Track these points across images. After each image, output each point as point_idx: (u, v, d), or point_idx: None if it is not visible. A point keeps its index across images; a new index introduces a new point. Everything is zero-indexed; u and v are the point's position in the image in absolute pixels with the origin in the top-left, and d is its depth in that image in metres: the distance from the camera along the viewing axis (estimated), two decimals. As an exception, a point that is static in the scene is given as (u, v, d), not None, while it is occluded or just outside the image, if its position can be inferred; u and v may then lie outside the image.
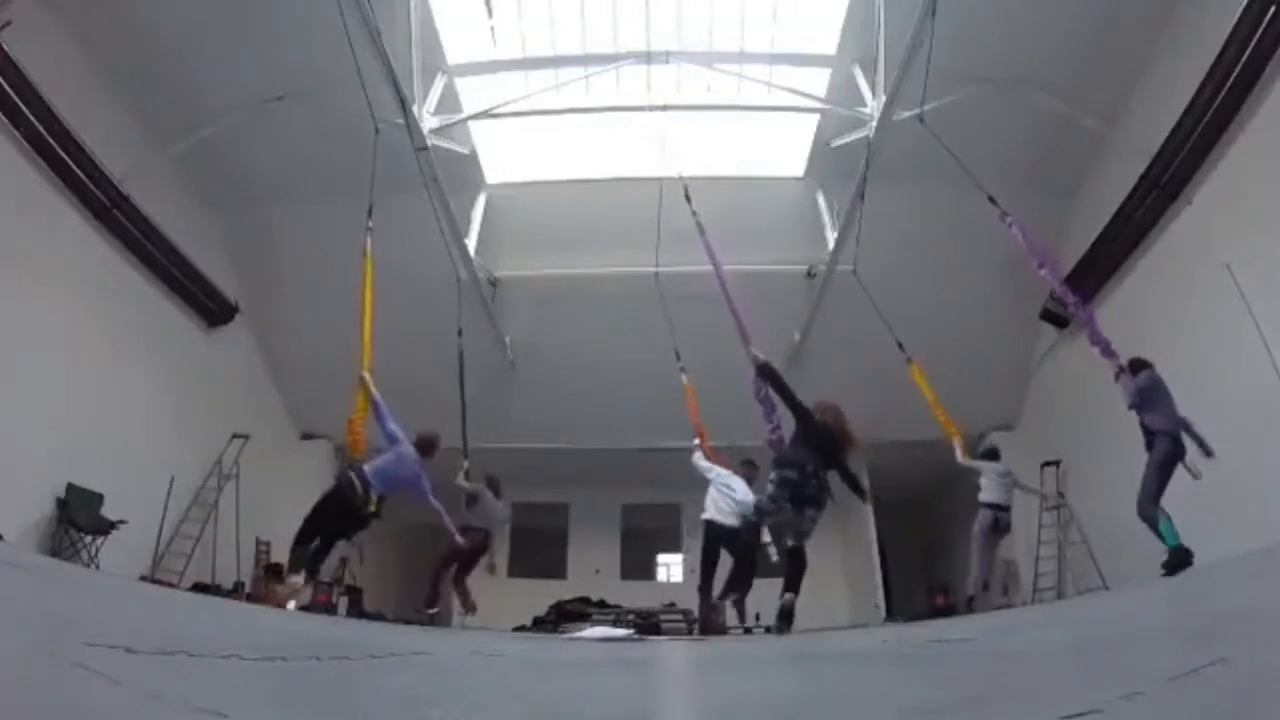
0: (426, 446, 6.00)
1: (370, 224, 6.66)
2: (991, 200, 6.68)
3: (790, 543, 4.95)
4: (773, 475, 4.93)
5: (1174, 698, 0.89)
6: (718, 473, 6.94)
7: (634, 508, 14.22)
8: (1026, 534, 10.45)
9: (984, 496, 7.42)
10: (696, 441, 7.67)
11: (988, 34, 7.83)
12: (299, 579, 5.32)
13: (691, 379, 9.05)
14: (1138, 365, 5.48)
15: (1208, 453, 5.27)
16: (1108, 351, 5.53)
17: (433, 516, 6.26)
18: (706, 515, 6.75)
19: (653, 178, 8.97)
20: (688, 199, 8.08)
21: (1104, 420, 8.89)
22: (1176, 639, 1.75)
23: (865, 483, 5.52)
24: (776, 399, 5.48)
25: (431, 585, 7.23)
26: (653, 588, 13.61)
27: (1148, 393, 5.29)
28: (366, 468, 5.49)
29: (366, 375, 5.89)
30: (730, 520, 6.55)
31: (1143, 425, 5.28)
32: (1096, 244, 8.63)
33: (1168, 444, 5.12)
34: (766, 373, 5.52)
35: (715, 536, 6.65)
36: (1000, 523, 7.33)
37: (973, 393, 11.15)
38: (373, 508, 5.33)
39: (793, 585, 4.90)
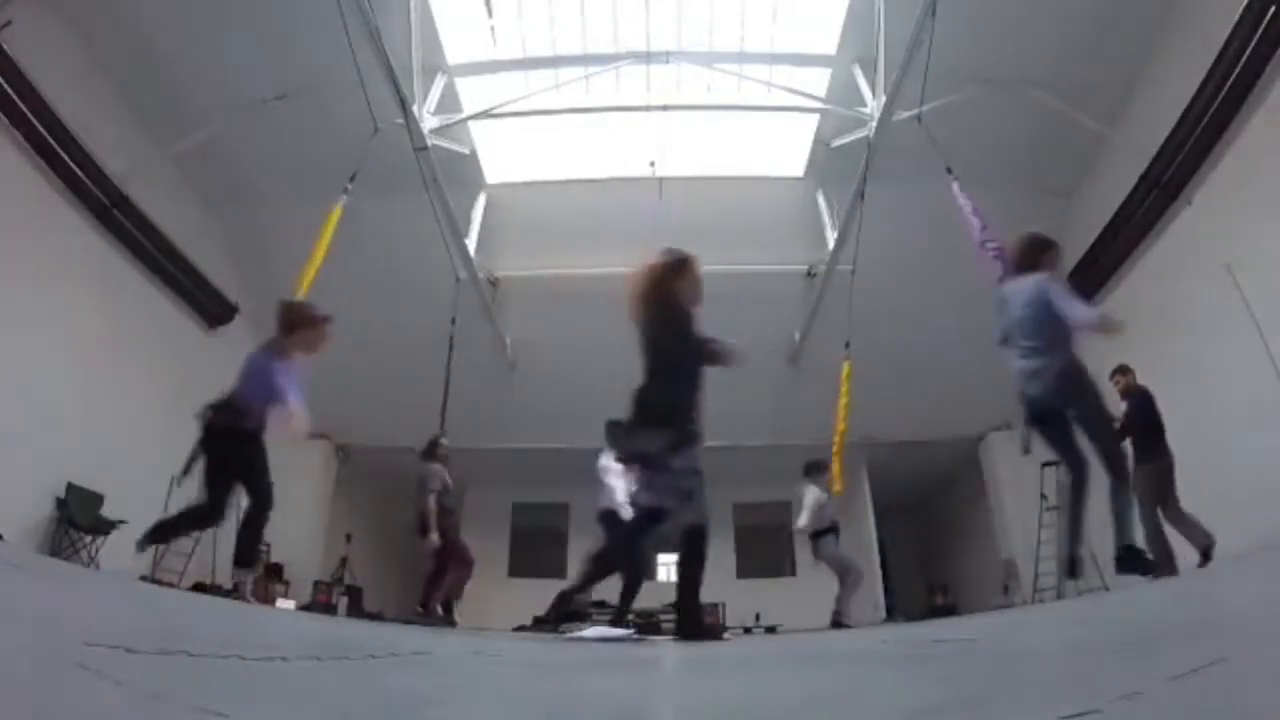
0: (284, 322, 4.68)
1: (349, 185, 6.61)
2: (948, 170, 6.67)
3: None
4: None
5: (1174, 698, 0.89)
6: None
7: (634, 508, 14.22)
8: (1026, 534, 10.46)
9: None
10: None
11: (988, 34, 7.84)
12: (246, 573, 4.73)
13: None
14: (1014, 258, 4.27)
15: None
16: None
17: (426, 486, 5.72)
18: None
19: (652, 177, 8.98)
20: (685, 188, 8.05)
21: (1104, 420, 8.89)
22: (1176, 639, 1.75)
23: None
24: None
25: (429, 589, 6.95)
26: (653, 588, 13.59)
27: (999, 312, 4.20)
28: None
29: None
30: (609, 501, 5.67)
31: None
32: (1096, 244, 8.64)
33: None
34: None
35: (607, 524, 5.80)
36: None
37: (973, 393, 11.16)
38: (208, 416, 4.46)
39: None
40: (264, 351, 4.57)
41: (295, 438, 4.83)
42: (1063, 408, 3.70)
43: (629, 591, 5.49)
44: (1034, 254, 4.04)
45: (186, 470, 4.57)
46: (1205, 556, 5.28)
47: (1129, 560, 3.69)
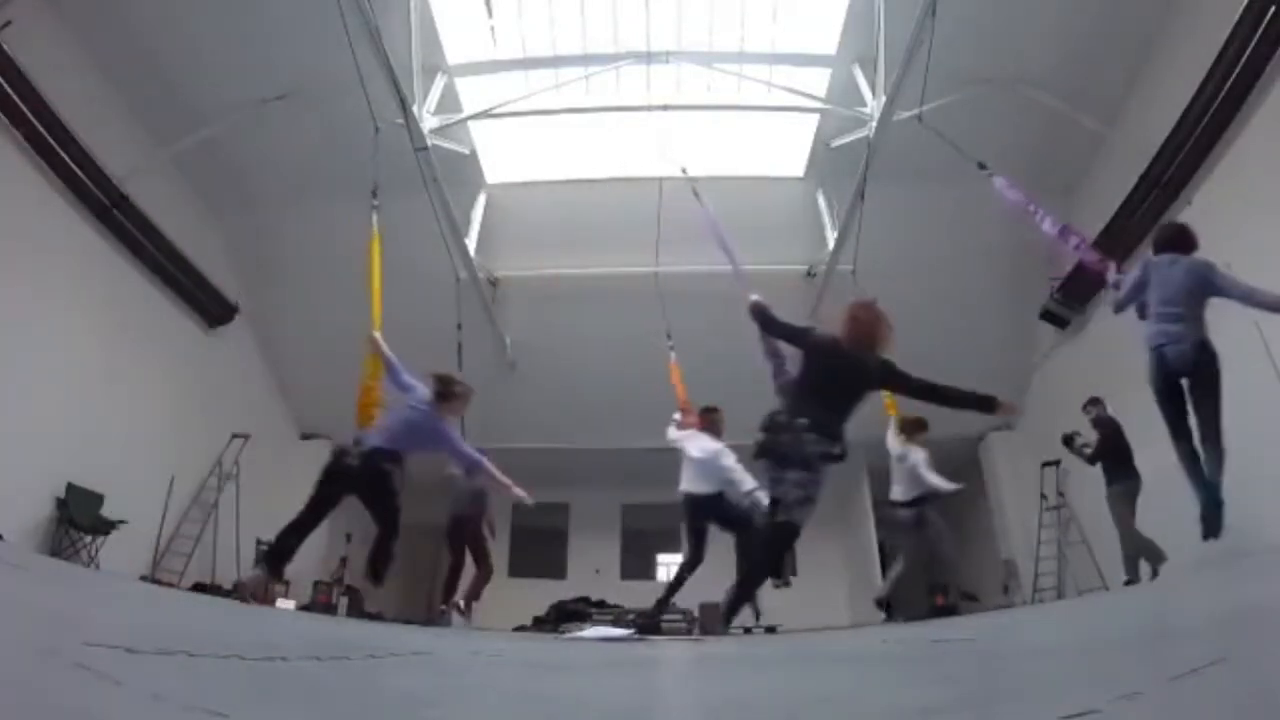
0: (443, 392, 5.04)
1: (376, 202, 6.62)
2: (981, 166, 6.64)
3: (769, 514, 3.72)
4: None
5: (1174, 698, 0.89)
6: (679, 438, 6.03)
7: (634, 508, 14.22)
8: (1026, 534, 10.46)
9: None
10: (676, 416, 6.74)
11: (988, 34, 7.84)
12: (259, 573, 4.92)
13: (691, 378, 9.05)
14: (1158, 243, 4.69)
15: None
16: (1100, 265, 5.28)
17: (474, 473, 5.93)
18: (680, 488, 5.82)
19: (652, 177, 8.98)
20: (696, 194, 8.04)
21: (1104, 420, 8.89)
22: (1176, 639, 1.75)
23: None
24: (779, 346, 4.48)
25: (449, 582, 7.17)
26: (653, 588, 13.58)
27: (1139, 288, 4.58)
28: (370, 433, 4.99)
29: (378, 335, 5.49)
30: (701, 486, 5.57)
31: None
32: (1096, 244, 8.62)
33: (1151, 362, 4.33)
34: (757, 311, 4.32)
35: (691, 509, 5.69)
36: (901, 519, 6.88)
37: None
38: (356, 461, 4.81)
39: (755, 570, 3.84)
40: (423, 412, 4.96)
41: (518, 499, 5.50)
42: (1191, 375, 4.06)
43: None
44: (1186, 240, 4.50)
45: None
46: (1154, 574, 5.88)
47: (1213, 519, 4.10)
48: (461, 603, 6.94)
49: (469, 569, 7.30)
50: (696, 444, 5.74)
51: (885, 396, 6.89)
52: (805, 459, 3.53)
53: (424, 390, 5.03)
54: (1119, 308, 4.68)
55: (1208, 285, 4.19)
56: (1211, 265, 4.25)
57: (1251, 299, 4.18)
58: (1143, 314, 4.46)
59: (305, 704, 1.13)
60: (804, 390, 3.77)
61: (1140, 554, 6.05)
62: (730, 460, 5.42)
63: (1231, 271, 6.48)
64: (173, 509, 8.86)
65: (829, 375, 3.72)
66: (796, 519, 3.55)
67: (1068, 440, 6.98)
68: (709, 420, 6.00)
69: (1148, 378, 4.22)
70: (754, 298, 4.41)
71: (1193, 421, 4.14)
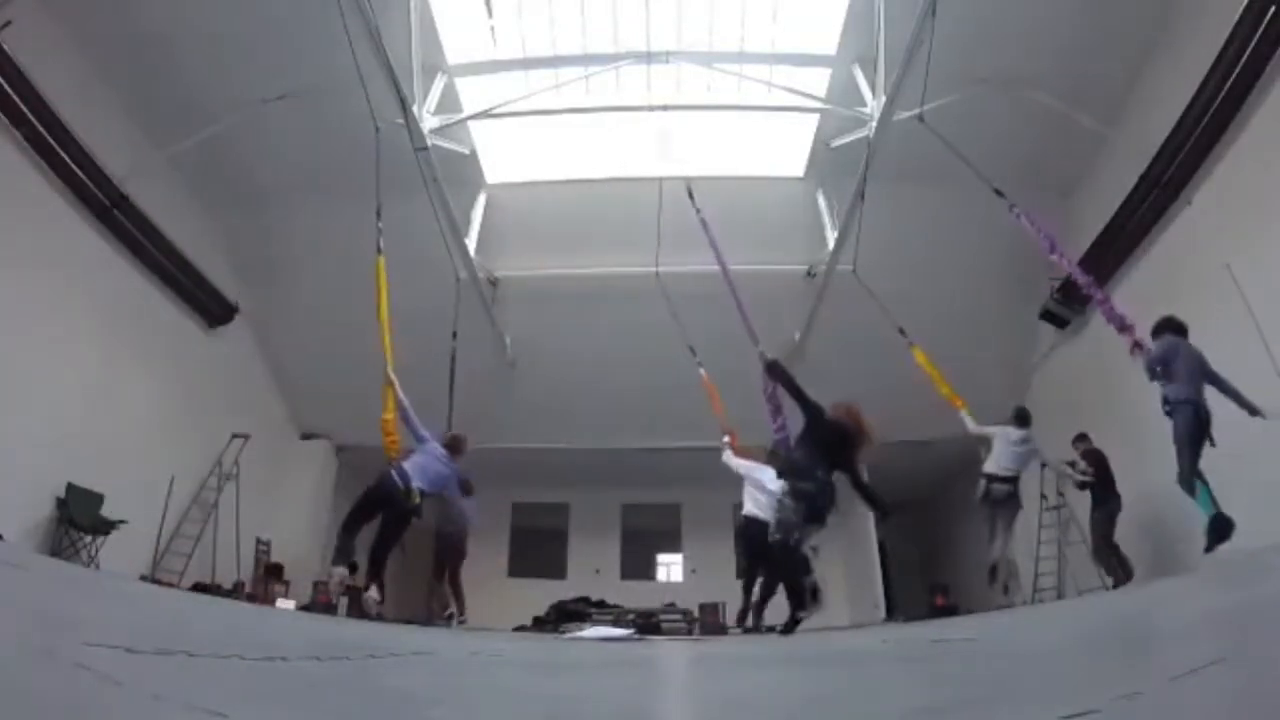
0: (456, 446, 6.14)
1: (380, 225, 6.71)
2: (998, 192, 6.69)
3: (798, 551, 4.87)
4: (785, 485, 4.81)
5: (1174, 698, 0.89)
6: (749, 468, 6.80)
7: (634, 507, 14.23)
8: (1026, 534, 10.46)
9: (984, 467, 7.23)
10: (727, 440, 7.51)
11: (988, 34, 7.84)
12: (344, 570, 5.35)
13: (692, 377, 9.05)
14: (1161, 328, 5.44)
15: (1253, 412, 5.28)
16: (1124, 327, 5.55)
17: (456, 517, 7.19)
18: (745, 511, 6.61)
19: (653, 177, 8.98)
20: (691, 197, 8.06)
21: (1104, 420, 8.89)
22: (1176, 639, 1.75)
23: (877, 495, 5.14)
24: (784, 397, 5.35)
25: (433, 592, 7.91)
26: (653, 588, 13.61)
27: (1168, 359, 5.20)
28: (405, 465, 5.57)
29: (393, 375, 5.97)
30: (767, 514, 6.13)
31: (1163, 396, 5.22)
32: (1097, 244, 8.63)
33: (1188, 413, 5.06)
34: (776, 371, 5.26)
35: (756, 533, 6.23)
36: (992, 493, 7.04)
37: (973, 392, 11.13)
38: (416, 500, 5.42)
39: (795, 589, 4.90)
40: (451, 467, 6.05)
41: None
42: (1208, 424, 5.18)
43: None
44: (1186, 331, 5.47)
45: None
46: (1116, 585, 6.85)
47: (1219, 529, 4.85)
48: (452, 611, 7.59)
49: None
50: (768, 475, 6.35)
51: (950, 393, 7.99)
52: (826, 515, 4.69)
53: (434, 443, 5.93)
54: (1152, 373, 5.32)
55: (1206, 368, 5.24)
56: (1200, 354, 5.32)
57: (1228, 391, 5.27)
58: (1155, 376, 5.29)
59: (305, 704, 1.13)
60: (809, 448, 4.80)
61: (1106, 569, 7.14)
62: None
63: (1231, 272, 6.53)
64: (173, 509, 8.86)
65: (826, 444, 4.75)
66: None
67: (1069, 465, 7.77)
68: (773, 463, 6.58)
69: (1185, 425, 5.12)
70: (772, 357, 5.49)
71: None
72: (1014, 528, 7.31)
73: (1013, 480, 7.05)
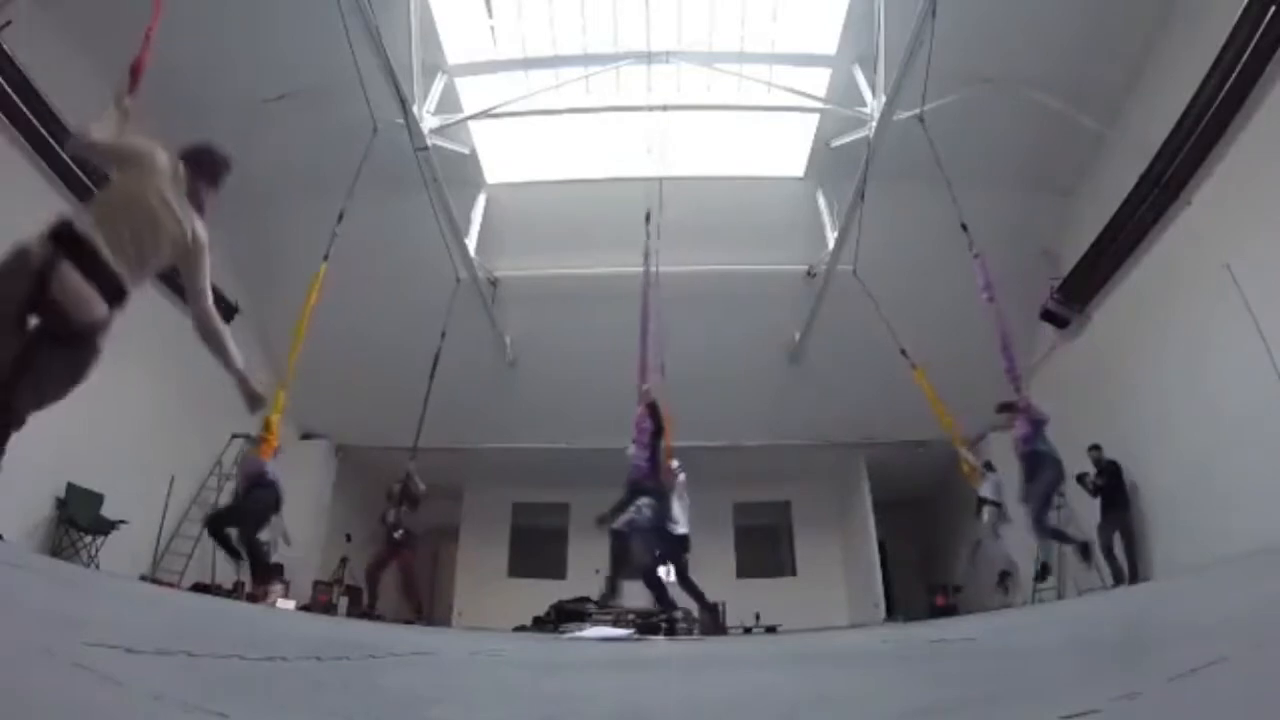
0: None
1: (337, 230, 6.78)
2: (963, 227, 6.84)
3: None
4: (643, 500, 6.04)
5: (1174, 698, 0.89)
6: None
7: (634, 508, 14.21)
8: (1027, 534, 10.45)
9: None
10: (676, 463, 7.85)
11: (988, 34, 7.83)
12: (278, 586, 5.78)
13: (691, 377, 9.05)
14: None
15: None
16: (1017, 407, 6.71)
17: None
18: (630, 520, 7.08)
19: (652, 177, 8.97)
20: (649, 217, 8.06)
21: (1104, 420, 8.89)
22: (1176, 639, 1.75)
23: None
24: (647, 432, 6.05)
25: (370, 589, 7.98)
26: (652, 588, 13.60)
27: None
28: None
29: (289, 381, 6.73)
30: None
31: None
32: (1096, 244, 8.63)
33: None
34: (654, 411, 6.22)
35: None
36: (984, 513, 8.52)
37: (973, 393, 11.13)
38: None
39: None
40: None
41: None
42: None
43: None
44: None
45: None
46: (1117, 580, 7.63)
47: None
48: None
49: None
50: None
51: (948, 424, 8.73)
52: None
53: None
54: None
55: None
56: None
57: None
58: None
59: (305, 704, 1.13)
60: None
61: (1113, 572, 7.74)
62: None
63: (1231, 272, 6.55)
64: (173, 509, 8.86)
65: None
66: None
67: (1080, 478, 8.49)
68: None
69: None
70: (652, 399, 6.31)
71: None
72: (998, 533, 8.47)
73: (998, 504, 8.37)
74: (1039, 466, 6.14)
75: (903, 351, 8.50)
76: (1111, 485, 8.23)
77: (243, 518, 5.97)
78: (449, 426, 9.71)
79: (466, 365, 9.00)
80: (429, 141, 8.48)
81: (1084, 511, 9.57)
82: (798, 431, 11.52)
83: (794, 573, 13.35)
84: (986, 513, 8.44)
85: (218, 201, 3.28)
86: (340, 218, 6.74)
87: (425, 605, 8.13)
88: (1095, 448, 8.43)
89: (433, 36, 8.66)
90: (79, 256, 2.41)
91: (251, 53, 8.07)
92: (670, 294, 9.43)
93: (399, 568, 7.83)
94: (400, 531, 7.70)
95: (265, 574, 5.97)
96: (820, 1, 8.66)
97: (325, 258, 6.67)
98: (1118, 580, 7.50)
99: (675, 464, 7.61)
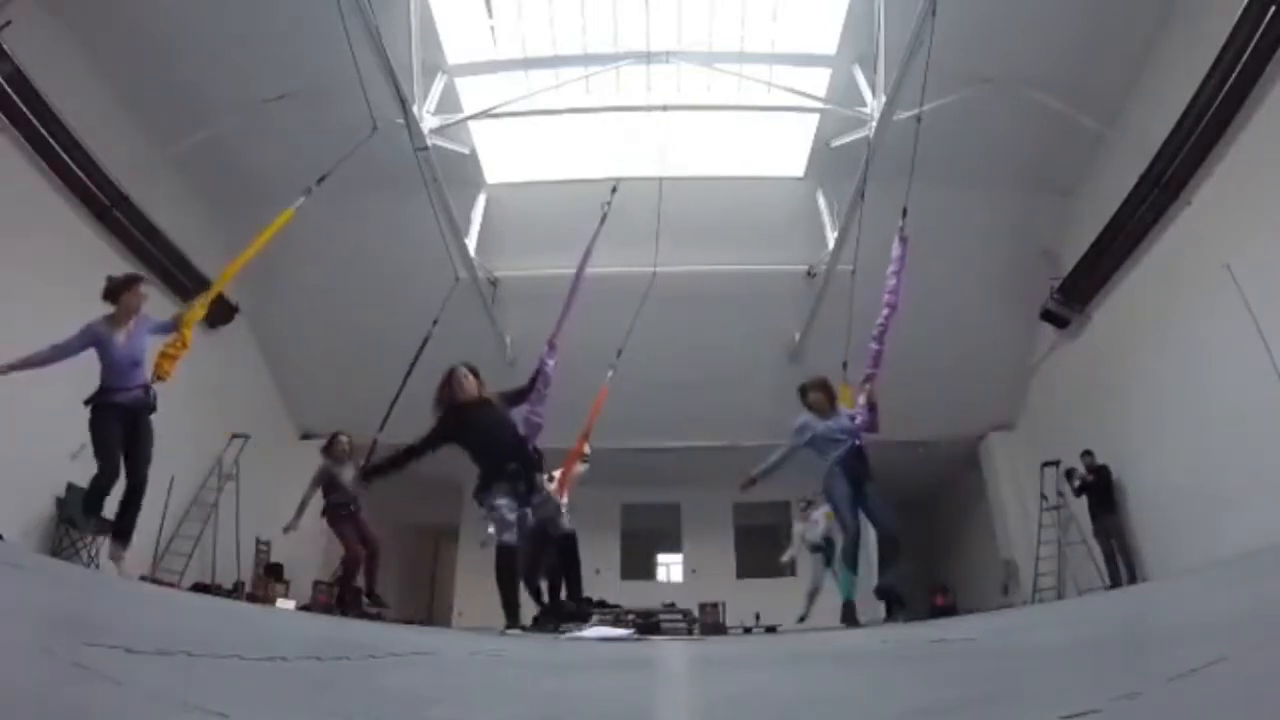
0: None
1: (311, 188, 6.55)
2: (904, 212, 6.40)
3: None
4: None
5: (1174, 698, 0.89)
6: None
7: (634, 507, 14.22)
8: (1026, 534, 10.46)
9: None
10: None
11: (988, 34, 7.84)
12: (120, 551, 4.89)
13: (691, 377, 9.04)
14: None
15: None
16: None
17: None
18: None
19: (653, 177, 8.98)
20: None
21: (1104, 420, 8.90)
22: (1176, 639, 1.75)
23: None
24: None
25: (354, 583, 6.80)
26: (653, 588, 13.62)
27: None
28: None
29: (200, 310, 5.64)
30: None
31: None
32: (1096, 244, 8.64)
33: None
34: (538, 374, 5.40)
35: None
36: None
37: (973, 393, 11.15)
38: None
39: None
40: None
41: None
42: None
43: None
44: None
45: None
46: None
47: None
48: (364, 596, 6.64)
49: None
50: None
51: None
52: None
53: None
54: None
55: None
56: None
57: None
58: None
59: (305, 704, 1.13)
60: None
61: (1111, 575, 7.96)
62: None
63: (1231, 272, 6.55)
64: (173, 509, 8.86)
65: None
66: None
67: (1068, 474, 8.84)
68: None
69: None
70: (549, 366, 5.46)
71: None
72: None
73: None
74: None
75: (844, 365, 8.27)
76: (1100, 487, 8.38)
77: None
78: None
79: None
80: (429, 141, 8.48)
81: (1082, 513, 9.60)
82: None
83: (794, 573, 13.34)
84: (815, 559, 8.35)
85: None
86: (321, 179, 6.59)
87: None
88: (1087, 453, 8.64)
89: (433, 36, 8.67)
90: None
91: (251, 53, 8.07)
92: (670, 294, 9.44)
93: (368, 551, 6.63)
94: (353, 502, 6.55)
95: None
96: (820, 1, 8.66)
97: (307, 192, 6.43)
98: (1114, 583, 7.57)
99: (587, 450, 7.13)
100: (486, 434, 4.68)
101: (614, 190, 7.39)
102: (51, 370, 7.16)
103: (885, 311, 5.64)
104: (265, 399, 11.33)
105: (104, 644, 1.26)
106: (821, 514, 7.98)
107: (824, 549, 8.10)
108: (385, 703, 1.18)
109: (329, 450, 6.87)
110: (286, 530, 6.70)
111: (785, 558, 8.83)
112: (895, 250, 5.86)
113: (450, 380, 4.72)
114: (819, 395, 5.51)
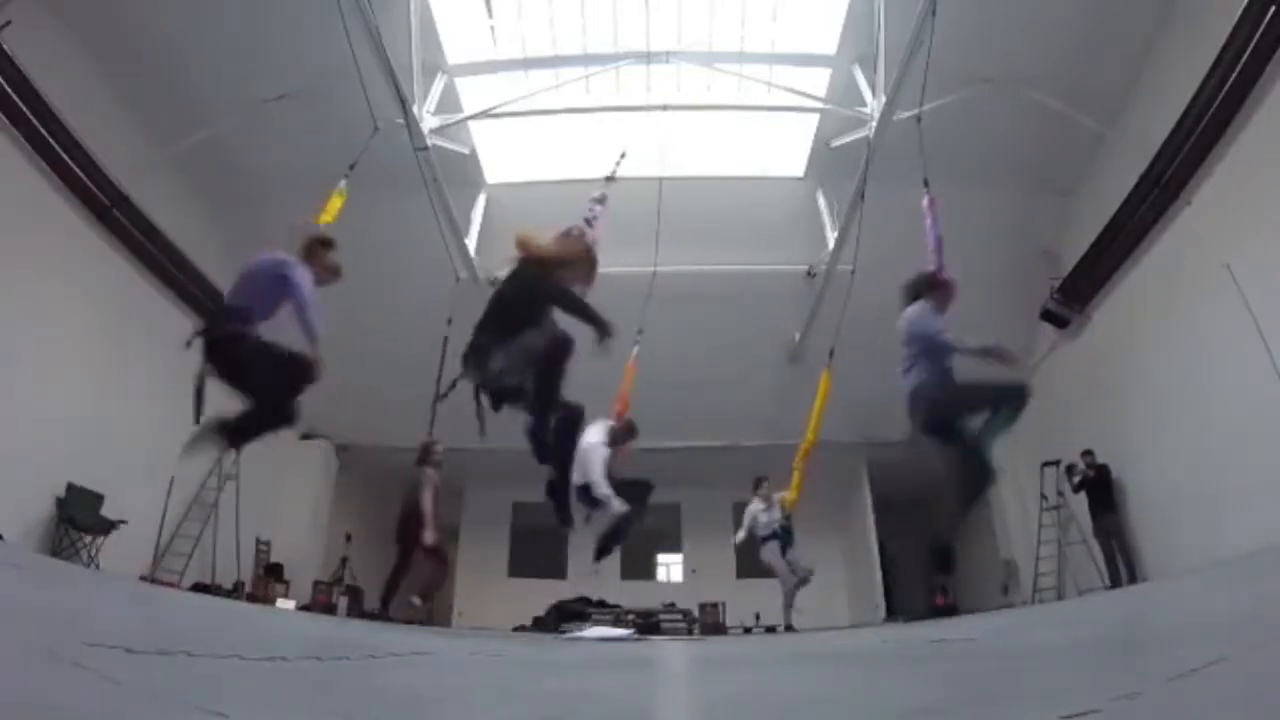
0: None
1: (347, 174, 6.75)
2: (925, 182, 6.53)
3: None
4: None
5: (1174, 698, 0.89)
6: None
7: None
8: (1026, 534, 10.46)
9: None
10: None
11: (988, 34, 7.83)
12: None
13: (692, 377, 9.03)
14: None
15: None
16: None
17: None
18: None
19: (653, 177, 8.98)
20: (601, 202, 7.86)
21: (1104, 420, 8.90)
22: (1176, 639, 1.75)
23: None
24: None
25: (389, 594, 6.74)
26: (653, 588, 13.62)
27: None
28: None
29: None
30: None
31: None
32: (1097, 244, 8.63)
33: None
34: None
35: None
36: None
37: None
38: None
39: None
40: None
41: None
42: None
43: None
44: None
45: None
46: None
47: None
48: (415, 599, 6.61)
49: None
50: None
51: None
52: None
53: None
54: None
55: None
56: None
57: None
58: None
59: (305, 704, 1.13)
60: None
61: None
62: None
63: (1231, 272, 6.53)
64: (173, 509, 8.85)
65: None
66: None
67: (1068, 470, 8.88)
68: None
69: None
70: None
71: None
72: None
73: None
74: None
75: (830, 353, 8.31)
76: (1099, 485, 8.40)
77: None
78: (450, 426, 9.70)
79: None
80: (429, 141, 8.48)
81: (1082, 513, 9.60)
82: (798, 431, 11.51)
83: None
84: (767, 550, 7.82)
85: None
86: (352, 165, 6.68)
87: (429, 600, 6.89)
88: (1087, 453, 8.64)
89: (433, 36, 8.66)
90: None
91: (251, 52, 8.07)
92: (670, 294, 9.43)
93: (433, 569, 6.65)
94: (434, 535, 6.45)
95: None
96: (820, 1, 8.66)
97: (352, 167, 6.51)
98: (1114, 583, 7.58)
99: None
100: None
101: (623, 155, 7.43)
102: (50, 371, 7.18)
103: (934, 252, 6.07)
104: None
105: (104, 644, 1.26)
106: (777, 498, 7.82)
107: (779, 536, 7.78)
108: (385, 703, 1.18)
109: (431, 459, 6.68)
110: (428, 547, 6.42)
111: (737, 539, 8.24)
112: (925, 205, 6.35)
113: None
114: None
